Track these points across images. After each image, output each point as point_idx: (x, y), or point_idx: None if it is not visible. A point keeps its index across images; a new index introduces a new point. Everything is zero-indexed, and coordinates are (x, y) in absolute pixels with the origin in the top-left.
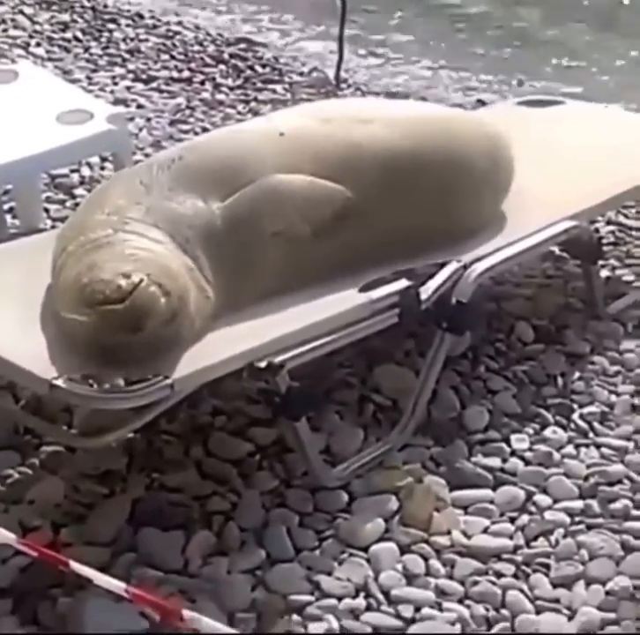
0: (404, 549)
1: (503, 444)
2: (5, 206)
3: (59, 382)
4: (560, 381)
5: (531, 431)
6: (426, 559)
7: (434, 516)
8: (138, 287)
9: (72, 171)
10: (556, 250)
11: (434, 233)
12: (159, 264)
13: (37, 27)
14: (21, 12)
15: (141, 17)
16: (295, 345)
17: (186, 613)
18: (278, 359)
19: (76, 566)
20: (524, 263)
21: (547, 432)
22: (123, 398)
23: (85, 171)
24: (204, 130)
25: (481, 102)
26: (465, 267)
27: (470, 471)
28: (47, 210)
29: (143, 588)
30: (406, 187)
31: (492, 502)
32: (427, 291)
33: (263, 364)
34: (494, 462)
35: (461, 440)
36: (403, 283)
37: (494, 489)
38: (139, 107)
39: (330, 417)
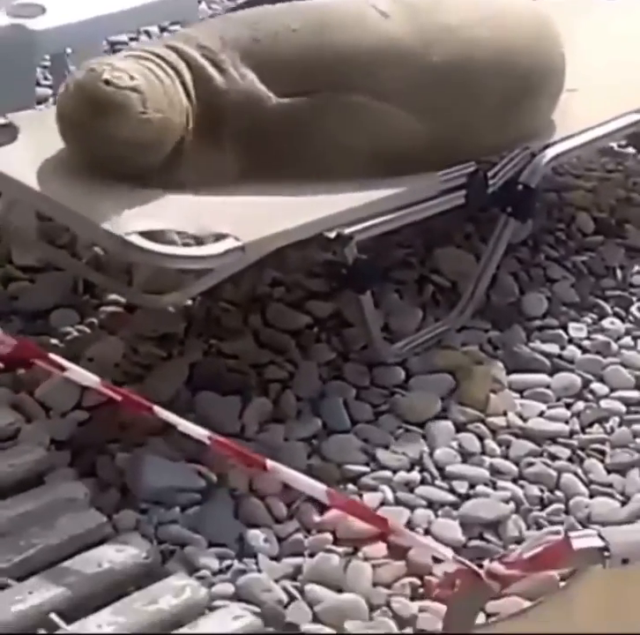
0: (459, 427)
1: (561, 332)
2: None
3: (132, 238)
4: (619, 273)
5: (589, 321)
6: (481, 438)
7: (490, 397)
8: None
9: (131, 39)
10: (615, 146)
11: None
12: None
13: None
14: None
15: None
16: (364, 218)
17: (269, 462)
18: (347, 230)
19: (160, 412)
20: (584, 156)
21: (605, 323)
22: (195, 258)
23: (143, 38)
24: None
25: None
26: (534, 154)
27: (527, 355)
28: None
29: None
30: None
31: (548, 387)
32: (494, 174)
33: (332, 235)
34: (552, 348)
35: (519, 325)
36: (471, 165)
37: (551, 374)
38: None
39: (389, 295)
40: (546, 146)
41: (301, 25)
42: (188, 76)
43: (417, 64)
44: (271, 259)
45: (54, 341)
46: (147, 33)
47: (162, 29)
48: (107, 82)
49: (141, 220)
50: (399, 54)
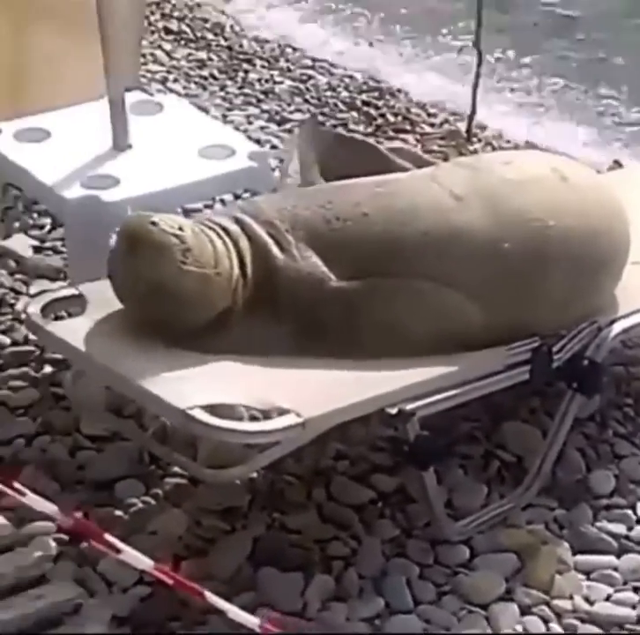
0: (524, 610)
1: (629, 511)
2: None
3: (194, 412)
4: None
5: None
6: (546, 622)
7: (556, 579)
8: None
9: (206, 206)
10: None
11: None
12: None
13: (175, 63)
14: (160, 48)
15: (276, 59)
16: (426, 393)
17: None
18: (409, 406)
19: (211, 597)
20: None
21: None
22: (254, 433)
23: (219, 207)
24: None
25: (618, 164)
26: (600, 328)
27: (594, 536)
28: None
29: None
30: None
31: (616, 569)
32: (559, 349)
33: (394, 411)
34: (620, 529)
35: (586, 504)
36: (536, 340)
37: (618, 555)
38: (273, 147)
39: (453, 471)
40: (613, 321)
41: (373, 210)
42: (246, 247)
43: (488, 253)
44: (336, 432)
45: (118, 513)
46: (222, 201)
47: (236, 196)
48: (153, 223)
49: (203, 392)
50: (471, 242)
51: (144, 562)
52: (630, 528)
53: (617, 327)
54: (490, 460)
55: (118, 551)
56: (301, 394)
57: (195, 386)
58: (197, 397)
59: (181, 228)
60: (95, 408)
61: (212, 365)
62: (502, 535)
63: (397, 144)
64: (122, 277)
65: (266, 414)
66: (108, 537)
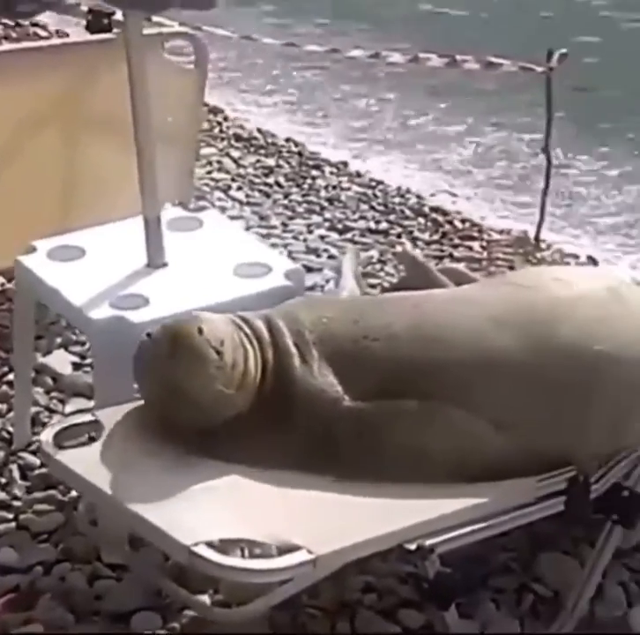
0: None
1: None
2: None
3: (199, 549)
4: None
5: None
6: None
7: None
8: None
9: None
10: None
11: None
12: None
13: (241, 171)
14: (228, 155)
15: (345, 165)
16: (448, 528)
17: None
18: (429, 542)
19: None
20: None
21: None
22: (261, 571)
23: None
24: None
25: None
26: None
27: None
28: None
29: None
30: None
31: None
32: (598, 479)
33: (412, 547)
34: None
35: None
36: (572, 469)
37: None
38: (331, 257)
39: (485, 604)
40: None
41: (403, 330)
42: (270, 359)
43: (522, 381)
44: (364, 564)
45: None
46: None
47: None
48: (200, 331)
49: (209, 528)
50: (504, 369)
51: None
52: None
53: None
54: (524, 594)
55: None
56: (312, 528)
57: (201, 518)
58: (202, 532)
59: (222, 343)
60: (116, 537)
61: (220, 487)
62: None
63: (450, 264)
64: (151, 371)
65: (274, 551)
66: None
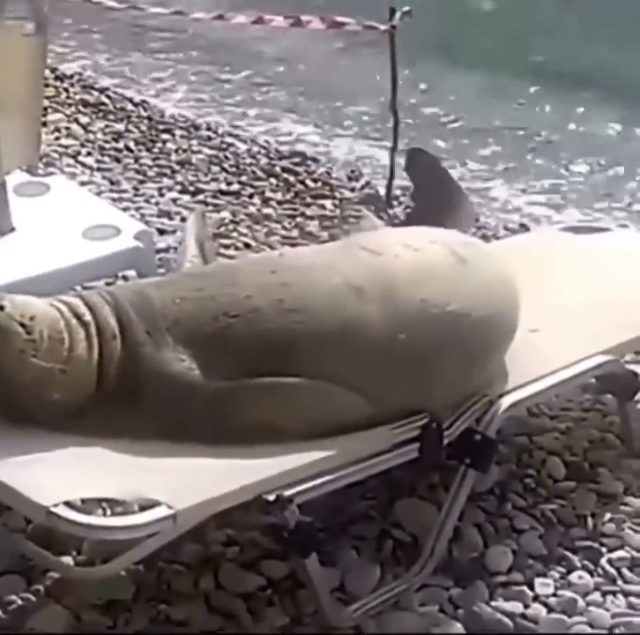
0: None
1: (526, 588)
2: None
3: (58, 509)
4: (590, 522)
5: (556, 575)
6: None
7: None
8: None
9: (107, 284)
10: (595, 381)
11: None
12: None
13: (90, 136)
14: (76, 121)
15: (196, 128)
16: (307, 477)
17: None
18: (287, 493)
19: None
20: (562, 394)
21: (573, 577)
22: (121, 528)
23: (120, 283)
24: (246, 245)
25: (524, 227)
26: (491, 401)
27: (489, 616)
28: None
29: None
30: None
31: None
32: (450, 425)
33: (271, 497)
34: (516, 607)
35: (482, 582)
36: (425, 416)
37: None
38: (183, 220)
39: (346, 552)
40: (504, 394)
41: (264, 303)
42: (115, 340)
43: (381, 348)
44: (222, 516)
45: None
46: (124, 278)
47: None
48: (1, 308)
49: (68, 489)
50: (364, 337)
51: None
52: (526, 606)
53: (508, 400)
54: (384, 540)
55: None
56: (171, 484)
57: (60, 480)
58: (62, 492)
59: (32, 317)
60: None
61: (76, 452)
62: (392, 619)
63: None
64: None
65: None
66: None
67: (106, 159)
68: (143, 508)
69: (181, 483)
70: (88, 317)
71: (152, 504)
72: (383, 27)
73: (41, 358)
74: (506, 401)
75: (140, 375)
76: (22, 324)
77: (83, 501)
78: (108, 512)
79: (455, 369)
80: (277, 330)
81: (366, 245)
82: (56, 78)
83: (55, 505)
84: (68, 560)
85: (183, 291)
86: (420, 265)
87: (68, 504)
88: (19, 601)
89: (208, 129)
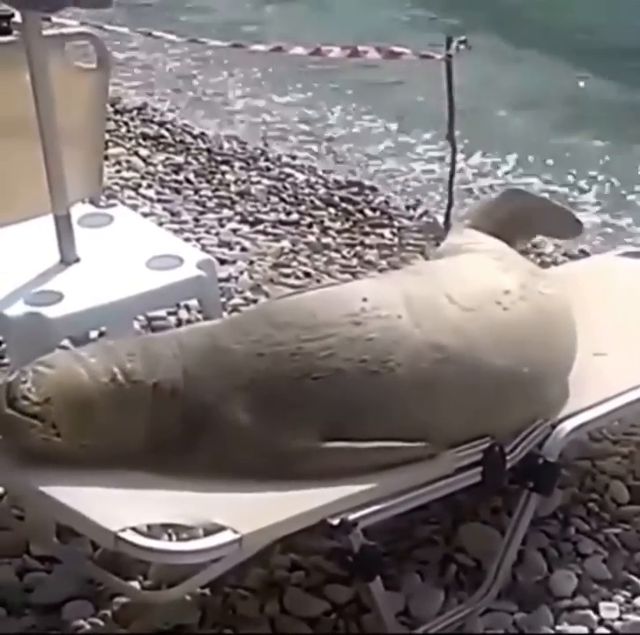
0: None
1: (591, 612)
2: None
3: (125, 534)
4: None
5: (621, 599)
6: None
7: None
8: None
9: (170, 313)
10: None
11: None
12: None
13: (150, 169)
14: (136, 154)
15: (255, 159)
16: (371, 502)
17: None
18: (352, 516)
19: None
20: (624, 419)
21: (638, 601)
22: (187, 553)
23: (183, 314)
24: (306, 274)
25: (584, 252)
26: (554, 425)
27: None
28: None
29: None
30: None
31: None
32: (512, 448)
33: (336, 522)
34: (581, 631)
35: (547, 606)
36: (487, 440)
37: None
38: (243, 249)
39: (410, 576)
40: (566, 418)
41: (348, 364)
42: (171, 395)
43: (454, 401)
44: (286, 542)
45: None
46: (186, 307)
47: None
48: (12, 400)
49: (135, 514)
50: (441, 395)
51: None
52: (592, 630)
53: (570, 424)
54: (448, 565)
55: None
56: (236, 509)
57: (126, 507)
58: (128, 518)
59: (48, 400)
60: (43, 530)
61: (140, 481)
62: None
63: None
64: None
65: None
66: None
67: (166, 190)
68: (207, 533)
69: (245, 508)
70: (140, 375)
71: (218, 530)
72: (438, 56)
73: (65, 438)
74: (568, 425)
75: (205, 434)
76: (35, 415)
77: (148, 527)
78: (174, 538)
79: (518, 407)
80: (358, 393)
81: (451, 294)
82: (116, 111)
83: (123, 530)
84: (135, 585)
85: (261, 346)
86: (505, 326)
87: (134, 529)
88: (87, 626)
89: (266, 160)
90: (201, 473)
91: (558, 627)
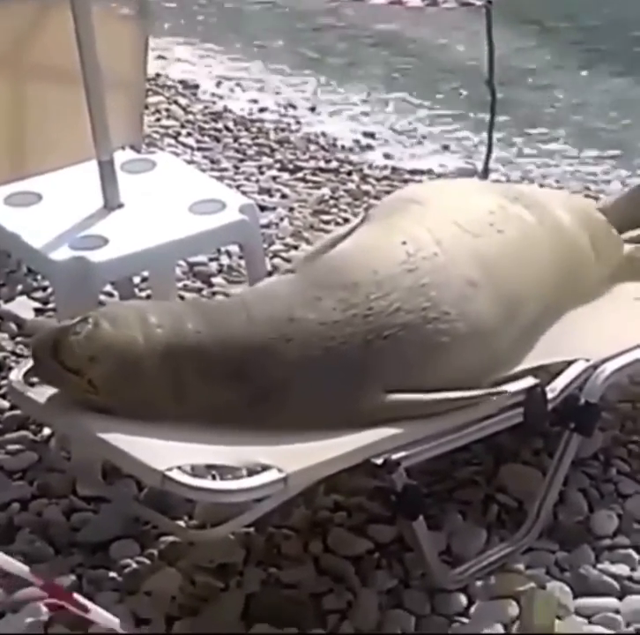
0: None
1: (632, 551)
2: (143, 294)
3: (172, 473)
4: None
5: None
6: None
7: (557, 624)
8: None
9: (211, 259)
10: None
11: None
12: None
13: (190, 117)
14: (175, 102)
15: (293, 107)
16: (415, 442)
17: None
18: (395, 456)
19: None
20: None
21: None
22: (233, 491)
23: (224, 259)
24: (346, 220)
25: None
26: (595, 367)
27: (595, 578)
28: (182, 298)
29: None
30: None
31: (617, 612)
32: (554, 390)
33: (379, 461)
34: (622, 570)
35: (588, 545)
36: (529, 381)
37: (620, 597)
38: (283, 196)
39: (452, 516)
40: (607, 360)
41: (412, 317)
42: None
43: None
44: (330, 482)
45: (112, 574)
46: (228, 253)
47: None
48: (55, 352)
49: (181, 454)
50: (484, 333)
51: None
52: (633, 569)
53: (611, 366)
54: (490, 504)
55: (87, 610)
56: (280, 449)
57: (172, 448)
58: (175, 458)
59: (93, 358)
60: (91, 470)
61: (186, 429)
62: (500, 581)
63: None
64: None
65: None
66: (77, 597)
67: (206, 139)
68: (251, 474)
69: (290, 449)
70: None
71: (262, 471)
72: (479, 3)
73: (103, 396)
74: (609, 367)
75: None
76: (76, 371)
77: (192, 469)
78: (218, 478)
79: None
80: (422, 345)
81: (463, 224)
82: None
83: (170, 470)
84: (180, 524)
85: (336, 313)
86: (519, 248)
87: (180, 469)
88: (134, 565)
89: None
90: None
91: (599, 566)
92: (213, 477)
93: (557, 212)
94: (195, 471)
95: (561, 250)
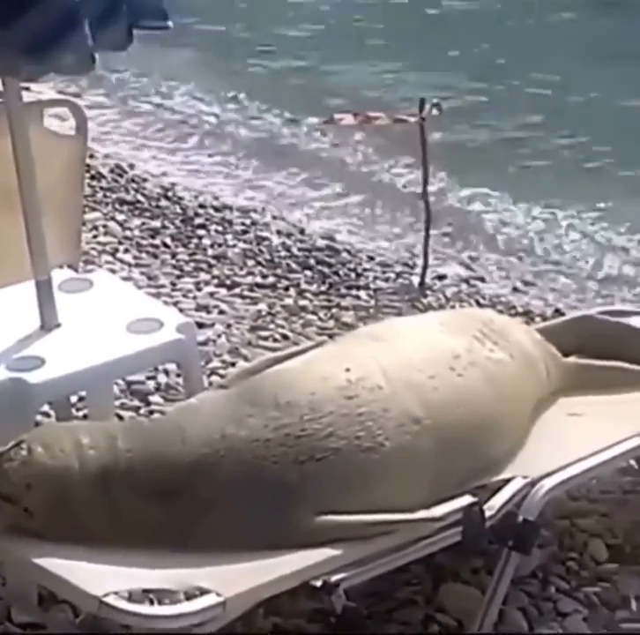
0: None
1: None
2: (80, 413)
3: (109, 599)
4: (633, 604)
5: None
6: None
7: None
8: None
9: (148, 378)
10: (635, 464)
11: None
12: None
13: (127, 233)
14: (113, 219)
15: (230, 223)
16: (353, 563)
17: None
18: (334, 578)
19: None
20: (601, 477)
21: None
22: (171, 617)
23: (162, 377)
24: (284, 336)
25: (559, 312)
26: (533, 484)
27: None
28: (120, 416)
29: None
30: None
31: None
32: (492, 508)
33: (318, 583)
34: None
35: None
36: (467, 499)
37: None
38: (221, 312)
39: None
40: (545, 476)
41: (345, 443)
42: None
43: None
44: (270, 604)
45: None
46: (165, 371)
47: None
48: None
49: (118, 578)
50: (418, 466)
51: None
52: None
53: (549, 483)
54: (430, 624)
55: None
56: (218, 571)
57: (109, 573)
58: (112, 583)
59: (29, 486)
60: (26, 596)
61: (122, 552)
62: None
63: None
64: None
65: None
66: None
67: (143, 255)
68: (189, 598)
69: (228, 570)
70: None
71: (200, 594)
72: (412, 120)
73: (38, 521)
74: (547, 484)
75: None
76: (12, 498)
77: (129, 594)
78: (155, 604)
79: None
80: (353, 471)
81: (418, 363)
82: (93, 177)
83: (106, 595)
84: None
85: (267, 431)
86: (462, 392)
87: (117, 594)
88: None
89: (242, 224)
90: (190, 550)
91: None
92: (151, 601)
93: (521, 340)
94: (132, 595)
95: (528, 382)
